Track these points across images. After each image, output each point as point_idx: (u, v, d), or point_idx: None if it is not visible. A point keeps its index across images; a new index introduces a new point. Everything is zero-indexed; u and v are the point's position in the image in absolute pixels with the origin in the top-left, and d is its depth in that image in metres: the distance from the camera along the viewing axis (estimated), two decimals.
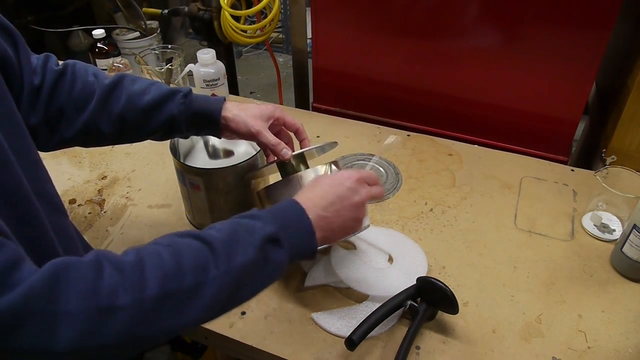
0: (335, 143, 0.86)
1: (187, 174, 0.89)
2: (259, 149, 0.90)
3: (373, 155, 1.16)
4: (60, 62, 0.74)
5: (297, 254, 0.60)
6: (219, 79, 1.27)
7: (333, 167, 0.80)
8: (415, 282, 0.79)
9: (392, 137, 0.80)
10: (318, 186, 0.66)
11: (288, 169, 0.81)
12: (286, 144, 0.79)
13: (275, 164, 0.82)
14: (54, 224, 0.55)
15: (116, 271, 0.46)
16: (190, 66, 1.27)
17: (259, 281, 0.57)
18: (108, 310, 0.44)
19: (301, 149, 0.82)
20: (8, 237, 0.45)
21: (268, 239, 0.56)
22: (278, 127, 0.82)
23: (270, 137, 0.76)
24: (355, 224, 0.69)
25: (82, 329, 0.43)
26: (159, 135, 0.77)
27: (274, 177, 0.85)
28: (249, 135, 0.77)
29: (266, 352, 0.76)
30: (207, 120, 0.76)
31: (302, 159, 0.82)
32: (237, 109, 0.77)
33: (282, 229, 0.58)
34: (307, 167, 0.81)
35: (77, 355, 0.44)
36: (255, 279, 0.56)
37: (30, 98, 0.67)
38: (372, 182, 0.71)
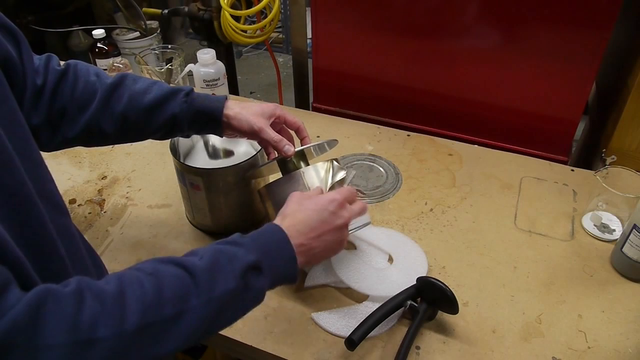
0: (336, 141, 0.86)
1: (187, 174, 0.89)
2: (259, 148, 0.90)
3: (375, 155, 1.16)
4: (62, 63, 0.74)
5: (278, 279, 0.60)
6: (219, 79, 1.27)
7: (335, 163, 0.80)
8: (415, 282, 0.79)
9: (349, 173, 0.84)
10: (301, 210, 0.66)
11: (289, 167, 0.81)
12: None
13: (275, 162, 0.82)
14: (56, 224, 0.55)
15: (97, 302, 0.46)
16: (190, 66, 1.27)
17: (239, 308, 0.57)
18: (88, 342, 0.44)
19: (302, 146, 0.82)
20: None
21: (249, 267, 0.56)
22: (279, 126, 0.82)
23: (272, 134, 0.77)
24: (337, 247, 0.69)
25: None
26: (160, 134, 0.78)
27: (275, 177, 0.85)
28: (252, 133, 0.77)
29: (266, 352, 0.76)
30: (209, 118, 0.76)
31: (302, 156, 0.82)
32: (239, 107, 0.77)
33: (264, 255, 0.58)
34: (308, 165, 0.81)
35: None
36: (236, 307, 0.57)
37: (33, 98, 0.67)
38: (352, 199, 0.71)
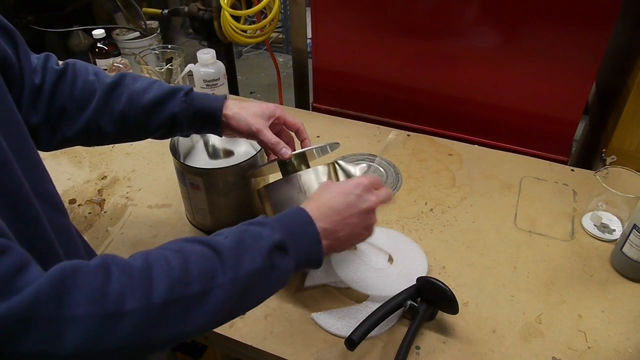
0: (337, 144, 0.86)
1: (187, 174, 0.89)
2: (259, 148, 0.90)
3: (375, 155, 1.16)
4: (61, 62, 0.74)
5: (303, 262, 0.60)
6: (219, 79, 1.27)
7: (338, 165, 0.80)
8: (415, 282, 0.79)
9: (393, 134, 0.81)
10: (326, 193, 0.65)
11: (289, 168, 0.81)
12: (287, 143, 0.79)
13: (276, 162, 0.82)
14: (54, 224, 0.55)
15: (124, 275, 0.46)
16: (190, 66, 1.27)
17: (265, 289, 0.57)
18: (115, 315, 0.44)
19: (302, 148, 0.82)
20: (12, 240, 0.44)
21: (275, 247, 0.56)
22: (279, 127, 0.82)
23: (270, 136, 0.76)
24: (365, 232, 0.68)
25: (89, 333, 0.43)
26: (160, 133, 0.77)
27: (275, 176, 0.85)
28: (250, 134, 0.77)
29: (266, 352, 0.76)
30: (208, 118, 0.76)
31: (303, 158, 0.82)
32: (238, 107, 0.77)
33: (289, 236, 0.58)
34: (308, 167, 0.81)
35: (80, 359, 0.44)
36: (262, 287, 0.56)
37: (31, 98, 0.67)
38: (379, 185, 0.70)
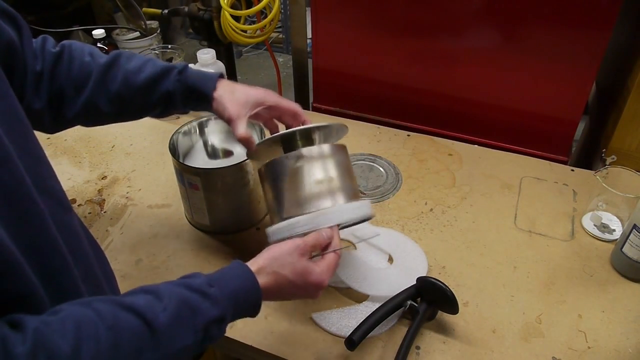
0: (345, 127, 0.79)
1: (185, 174, 0.89)
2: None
3: (375, 155, 1.16)
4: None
5: (236, 318, 0.60)
6: None
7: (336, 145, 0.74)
8: (415, 282, 0.79)
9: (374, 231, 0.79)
10: (280, 276, 0.63)
11: (292, 146, 0.75)
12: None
13: (280, 138, 0.76)
14: (57, 220, 0.55)
15: None
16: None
17: (193, 353, 0.56)
18: None
19: (305, 126, 0.76)
20: None
21: (212, 322, 0.55)
22: (276, 112, 0.78)
23: (240, 130, 0.73)
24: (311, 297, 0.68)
25: None
26: (158, 111, 0.77)
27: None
28: (226, 121, 0.74)
29: (266, 352, 0.76)
30: (199, 98, 0.75)
31: (308, 137, 0.76)
32: (225, 90, 0.74)
33: (231, 307, 0.57)
34: (313, 145, 0.75)
35: None
36: (191, 353, 0.56)
37: (34, 83, 0.68)
38: (324, 247, 0.68)
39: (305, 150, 0.71)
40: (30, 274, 0.48)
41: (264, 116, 0.79)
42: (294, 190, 0.70)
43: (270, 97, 0.76)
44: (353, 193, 0.72)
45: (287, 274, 0.62)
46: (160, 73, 0.73)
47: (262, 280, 0.61)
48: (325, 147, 0.72)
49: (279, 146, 0.77)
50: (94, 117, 0.75)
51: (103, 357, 0.48)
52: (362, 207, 0.71)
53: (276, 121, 0.81)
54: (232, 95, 0.74)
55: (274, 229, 0.70)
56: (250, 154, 0.79)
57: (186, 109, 0.77)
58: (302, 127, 0.75)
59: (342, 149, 0.75)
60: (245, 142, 0.74)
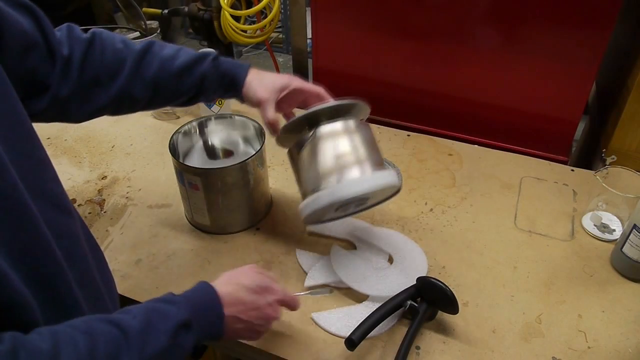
0: (367, 106, 0.81)
1: (185, 174, 0.89)
2: (258, 148, 0.90)
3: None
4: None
5: (203, 337, 0.61)
6: None
7: (351, 121, 0.76)
8: (415, 282, 0.79)
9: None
10: (239, 294, 0.66)
11: (317, 124, 0.77)
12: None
13: (305, 118, 0.78)
14: (54, 225, 0.54)
15: None
16: None
17: None
18: None
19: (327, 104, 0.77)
20: None
21: (180, 326, 0.57)
22: (301, 96, 0.81)
23: (270, 113, 0.77)
24: (265, 324, 0.69)
25: None
26: (187, 97, 0.79)
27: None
28: (256, 105, 0.78)
29: (266, 352, 0.76)
30: (232, 83, 0.78)
31: (331, 113, 0.77)
32: (254, 77, 0.79)
33: (195, 313, 0.59)
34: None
35: None
36: None
37: (62, 70, 0.67)
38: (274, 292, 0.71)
39: (328, 126, 0.74)
40: (17, 282, 0.47)
41: (290, 102, 0.81)
42: (319, 164, 0.74)
43: (295, 81, 0.80)
44: (377, 162, 0.76)
45: (246, 283, 0.66)
46: (195, 59, 0.77)
47: (220, 288, 0.64)
48: (350, 123, 0.76)
49: (304, 128, 0.79)
50: (127, 104, 0.76)
51: (82, 357, 0.48)
52: (387, 176, 0.74)
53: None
54: (261, 82, 0.78)
55: (303, 204, 0.75)
56: (277, 138, 0.82)
57: (215, 95, 0.81)
58: (323, 105, 0.77)
59: (365, 124, 0.78)
60: (272, 125, 0.78)
